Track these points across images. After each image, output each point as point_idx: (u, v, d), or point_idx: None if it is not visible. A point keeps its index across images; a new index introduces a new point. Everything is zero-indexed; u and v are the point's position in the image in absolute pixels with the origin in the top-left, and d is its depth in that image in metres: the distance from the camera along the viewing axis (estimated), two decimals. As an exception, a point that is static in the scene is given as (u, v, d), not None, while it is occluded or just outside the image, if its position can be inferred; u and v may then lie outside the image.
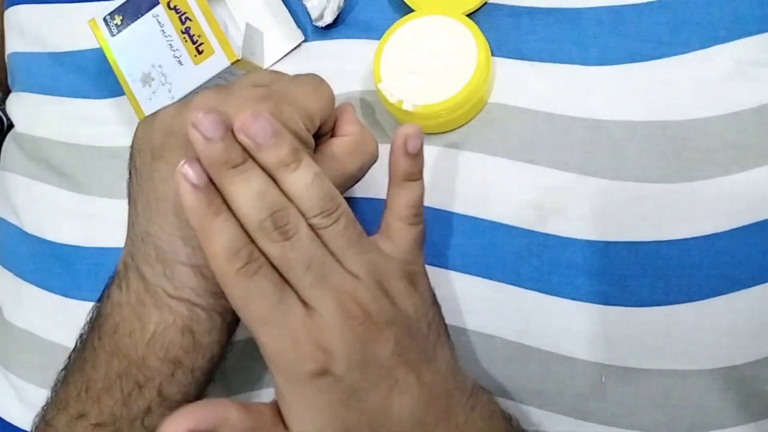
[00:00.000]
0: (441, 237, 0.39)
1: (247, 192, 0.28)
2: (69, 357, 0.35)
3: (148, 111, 0.43)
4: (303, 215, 0.29)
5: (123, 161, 0.35)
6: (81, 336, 0.35)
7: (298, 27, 0.45)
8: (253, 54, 0.44)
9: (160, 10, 0.42)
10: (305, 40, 0.45)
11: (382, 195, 0.34)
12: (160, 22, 0.42)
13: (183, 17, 0.42)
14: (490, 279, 0.38)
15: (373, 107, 0.42)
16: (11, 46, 0.54)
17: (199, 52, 0.42)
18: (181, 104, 0.34)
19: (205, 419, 0.27)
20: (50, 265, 0.47)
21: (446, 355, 0.32)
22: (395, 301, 0.30)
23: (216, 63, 0.41)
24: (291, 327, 0.28)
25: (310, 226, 0.29)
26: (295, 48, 0.45)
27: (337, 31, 0.44)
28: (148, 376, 0.32)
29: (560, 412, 0.37)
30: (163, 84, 0.43)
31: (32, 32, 0.52)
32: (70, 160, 0.48)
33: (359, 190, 0.41)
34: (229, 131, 0.28)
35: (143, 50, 0.43)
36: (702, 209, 0.36)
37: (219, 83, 0.41)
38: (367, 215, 0.39)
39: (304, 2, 0.44)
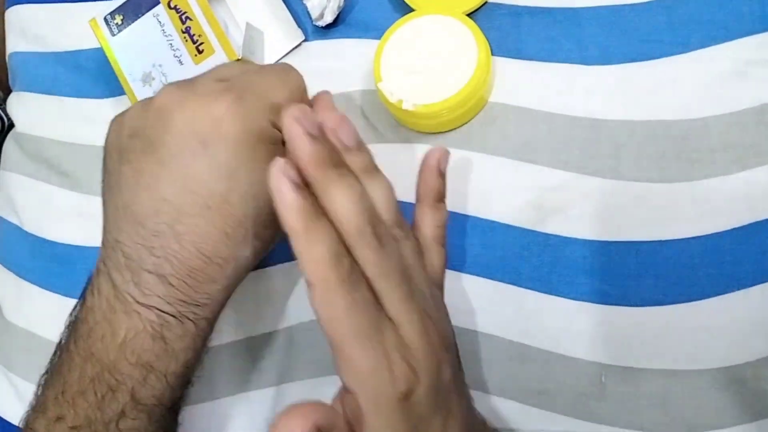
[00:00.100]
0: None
1: (351, 195, 0.26)
2: (50, 360, 0.35)
3: (148, 110, 0.43)
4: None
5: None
6: (60, 340, 0.35)
7: (299, 26, 0.45)
8: (254, 53, 0.44)
9: (160, 9, 0.42)
10: (305, 40, 0.45)
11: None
12: (160, 22, 0.43)
13: (183, 17, 0.42)
14: (490, 279, 0.38)
15: (372, 107, 0.42)
16: (12, 45, 0.54)
17: (200, 52, 0.42)
18: (144, 103, 0.33)
19: (326, 417, 0.25)
20: (50, 264, 0.47)
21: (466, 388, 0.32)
22: (449, 322, 0.29)
23: (216, 62, 0.41)
24: (386, 344, 0.26)
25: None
26: (295, 47, 0.45)
27: (337, 31, 0.44)
28: (120, 381, 0.31)
29: (560, 412, 0.37)
30: (163, 83, 0.43)
31: (33, 32, 0.52)
32: (71, 159, 0.48)
33: None
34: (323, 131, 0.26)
35: (144, 50, 0.43)
36: (702, 209, 0.36)
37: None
38: None
39: (304, 2, 0.44)
